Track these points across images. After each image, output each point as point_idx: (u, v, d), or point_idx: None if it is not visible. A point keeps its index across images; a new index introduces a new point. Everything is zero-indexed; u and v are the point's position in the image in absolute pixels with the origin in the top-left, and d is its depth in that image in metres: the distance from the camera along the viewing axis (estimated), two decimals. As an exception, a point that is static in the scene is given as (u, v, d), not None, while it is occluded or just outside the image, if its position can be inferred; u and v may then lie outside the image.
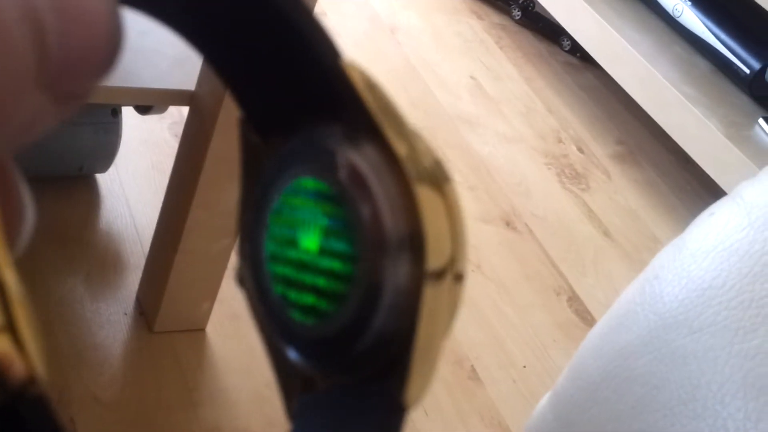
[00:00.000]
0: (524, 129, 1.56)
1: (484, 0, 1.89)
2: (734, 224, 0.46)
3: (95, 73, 0.15)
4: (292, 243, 0.19)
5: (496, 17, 1.86)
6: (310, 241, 0.19)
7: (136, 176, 1.11)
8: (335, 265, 0.19)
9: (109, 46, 0.15)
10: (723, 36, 1.49)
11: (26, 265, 0.94)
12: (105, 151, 1.04)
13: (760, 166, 1.22)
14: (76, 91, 0.15)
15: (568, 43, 1.78)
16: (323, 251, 0.19)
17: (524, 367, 1.11)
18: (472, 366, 1.08)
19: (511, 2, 1.85)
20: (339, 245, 0.19)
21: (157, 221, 0.93)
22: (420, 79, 1.59)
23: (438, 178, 0.18)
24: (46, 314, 0.92)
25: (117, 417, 0.87)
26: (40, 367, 0.13)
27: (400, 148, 0.18)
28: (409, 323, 0.18)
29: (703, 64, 1.53)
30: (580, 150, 1.56)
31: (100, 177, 1.09)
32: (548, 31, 1.82)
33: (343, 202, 0.18)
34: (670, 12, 1.56)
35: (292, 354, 0.20)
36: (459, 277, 0.19)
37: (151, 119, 1.19)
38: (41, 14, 0.14)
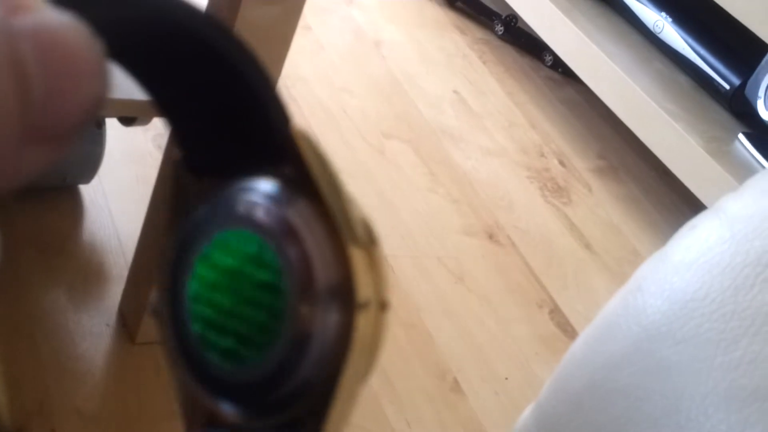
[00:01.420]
0: (507, 143, 1.57)
1: (468, 15, 1.90)
2: (716, 237, 0.47)
3: (81, 120, 0.15)
4: (218, 288, 0.19)
5: (479, 32, 1.87)
6: (236, 290, 0.19)
7: (120, 187, 1.11)
8: (260, 315, 0.19)
9: (95, 92, 0.15)
10: (703, 52, 1.50)
11: (9, 276, 0.94)
12: (89, 163, 1.04)
13: (740, 181, 1.23)
14: (61, 138, 0.15)
15: (551, 58, 1.80)
16: (249, 301, 0.19)
17: (506, 379, 1.11)
18: (454, 378, 1.08)
19: (494, 18, 1.86)
20: (266, 296, 0.19)
21: (140, 232, 0.93)
22: (404, 92, 1.59)
23: (366, 242, 0.19)
24: (29, 325, 0.91)
25: (99, 429, 0.86)
26: (6, 421, 0.14)
27: (335, 210, 0.19)
28: (332, 374, 0.19)
29: (683, 79, 1.54)
30: (561, 164, 1.57)
31: (83, 188, 1.08)
32: (531, 46, 1.83)
33: (275, 254, 0.19)
34: (651, 28, 1.58)
35: (201, 391, 0.20)
36: (384, 306, 0.19)
37: (134, 131, 1.18)
38: (26, 65, 0.14)
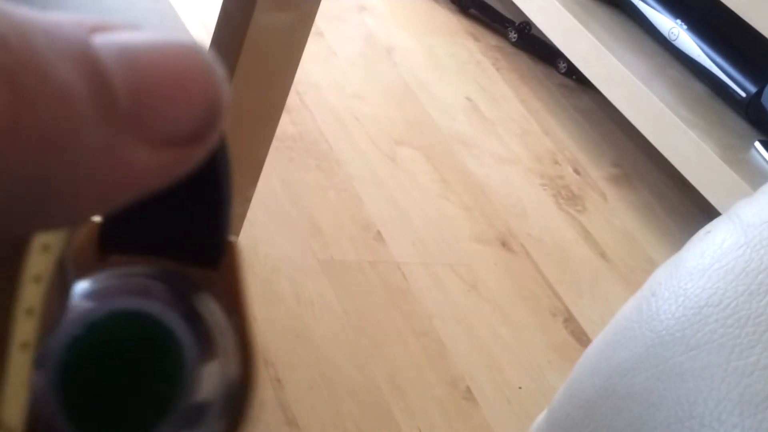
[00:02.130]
0: (520, 150, 1.56)
1: (481, 22, 1.90)
2: (731, 242, 0.47)
3: (195, 123, 0.14)
4: (103, 365, 0.19)
5: (492, 39, 1.87)
6: (128, 372, 0.19)
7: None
8: (149, 399, 0.19)
9: (207, 97, 0.14)
10: (719, 59, 1.50)
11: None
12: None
13: (756, 189, 1.22)
14: (172, 136, 0.14)
15: (565, 65, 1.79)
16: (138, 384, 0.19)
17: (520, 388, 1.11)
18: (467, 386, 1.08)
19: (507, 24, 1.86)
20: (160, 382, 0.19)
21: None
22: (416, 99, 1.59)
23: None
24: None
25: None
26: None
27: (249, 326, 0.20)
28: None
29: (699, 87, 1.53)
30: (576, 172, 1.56)
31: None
32: (544, 53, 1.83)
33: (181, 348, 0.19)
34: (666, 35, 1.57)
35: None
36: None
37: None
38: (100, 64, 0.13)
